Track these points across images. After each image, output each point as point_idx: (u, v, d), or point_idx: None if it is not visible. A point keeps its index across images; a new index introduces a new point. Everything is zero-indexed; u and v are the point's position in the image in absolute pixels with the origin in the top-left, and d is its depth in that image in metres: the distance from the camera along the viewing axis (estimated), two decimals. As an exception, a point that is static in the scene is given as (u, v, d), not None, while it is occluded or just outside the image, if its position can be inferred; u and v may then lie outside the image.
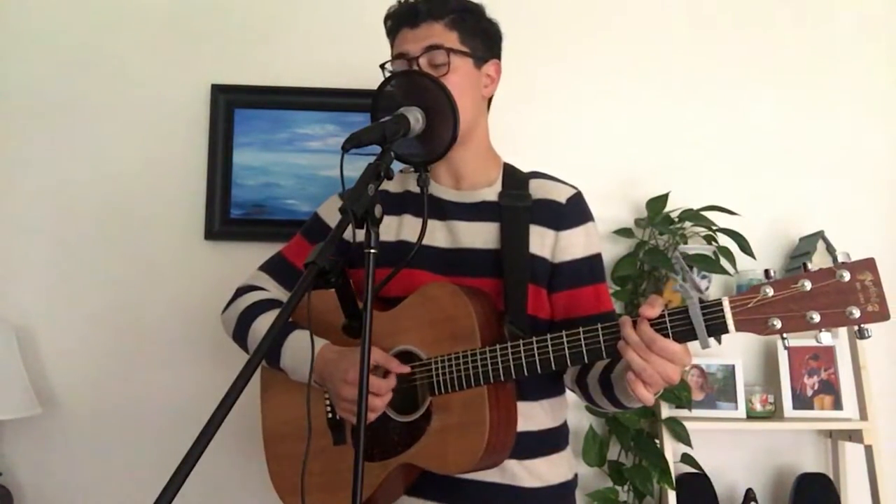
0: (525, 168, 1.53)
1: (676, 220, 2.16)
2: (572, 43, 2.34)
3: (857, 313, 1.03)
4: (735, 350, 2.16)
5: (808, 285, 1.05)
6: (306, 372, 1.32)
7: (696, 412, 2.09)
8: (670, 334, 1.12)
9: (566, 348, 1.22)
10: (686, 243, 2.14)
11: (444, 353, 1.30)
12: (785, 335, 1.08)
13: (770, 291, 1.07)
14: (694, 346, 1.13)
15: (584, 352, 1.21)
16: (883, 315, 1.03)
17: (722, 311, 1.10)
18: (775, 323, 1.07)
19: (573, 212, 1.44)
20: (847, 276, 1.04)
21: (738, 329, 1.09)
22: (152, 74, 2.30)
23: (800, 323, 1.06)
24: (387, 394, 1.29)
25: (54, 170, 2.27)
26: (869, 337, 1.05)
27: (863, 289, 1.03)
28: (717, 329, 1.10)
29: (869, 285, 1.03)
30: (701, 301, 1.11)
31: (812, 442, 2.24)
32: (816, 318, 1.05)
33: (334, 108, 2.27)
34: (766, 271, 1.10)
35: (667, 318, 1.13)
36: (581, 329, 1.21)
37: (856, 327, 1.05)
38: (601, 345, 1.19)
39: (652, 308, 1.13)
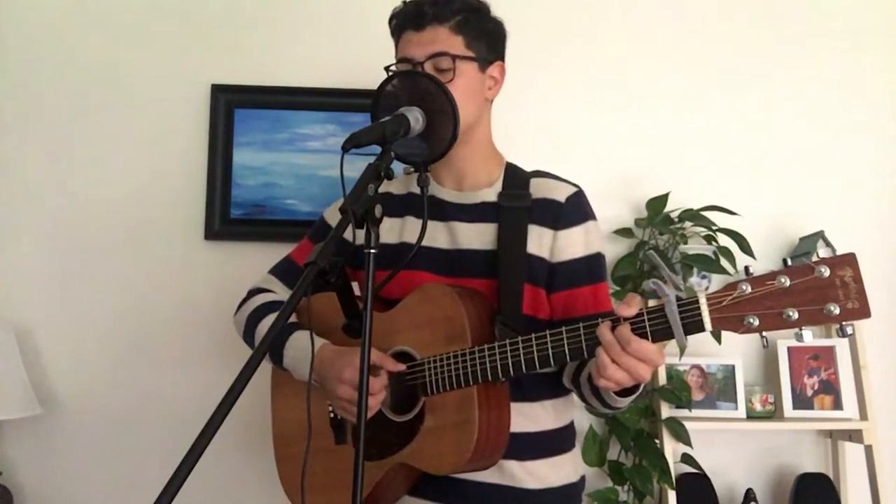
0: (528, 167, 1.53)
1: (676, 220, 2.16)
2: (573, 42, 2.33)
3: (836, 310, 0.99)
4: (735, 350, 2.15)
5: (786, 282, 1.01)
6: (304, 372, 1.34)
7: (696, 412, 2.09)
8: (649, 333, 1.11)
9: (549, 348, 1.22)
10: (686, 243, 2.13)
11: (437, 353, 1.31)
12: (763, 333, 1.04)
13: (747, 288, 1.03)
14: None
15: (567, 351, 1.20)
16: (863, 312, 0.98)
17: (699, 308, 1.07)
18: (752, 321, 1.03)
19: (572, 211, 1.42)
20: (826, 272, 1.00)
21: (714, 327, 1.06)
22: (152, 74, 2.30)
23: (777, 321, 1.02)
24: (379, 392, 1.30)
25: (54, 170, 2.27)
26: (850, 335, 1.01)
27: (842, 285, 0.99)
28: (693, 327, 1.07)
29: (849, 281, 0.99)
30: (678, 299, 1.08)
31: (812, 442, 2.24)
32: (794, 315, 1.01)
33: (334, 108, 2.26)
34: (746, 268, 1.06)
35: (645, 318, 1.12)
36: (563, 329, 1.21)
37: (836, 325, 1.00)
38: (582, 344, 1.19)
39: (628, 307, 1.12)
